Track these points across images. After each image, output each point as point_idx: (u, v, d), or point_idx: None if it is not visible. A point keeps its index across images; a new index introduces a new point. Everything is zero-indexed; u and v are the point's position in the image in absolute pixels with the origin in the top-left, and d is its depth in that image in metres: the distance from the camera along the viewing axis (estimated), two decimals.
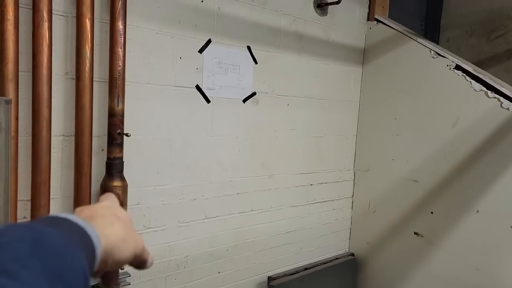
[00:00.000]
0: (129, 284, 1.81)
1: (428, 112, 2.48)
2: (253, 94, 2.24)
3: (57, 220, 0.41)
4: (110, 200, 0.54)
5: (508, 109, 2.15)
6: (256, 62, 2.23)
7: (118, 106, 1.65)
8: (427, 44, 2.50)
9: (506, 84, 2.24)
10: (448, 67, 2.37)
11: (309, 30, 2.47)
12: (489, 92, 2.21)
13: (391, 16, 2.86)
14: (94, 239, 0.42)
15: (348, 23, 2.70)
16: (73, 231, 0.40)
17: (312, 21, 2.49)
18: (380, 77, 2.75)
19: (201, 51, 2.00)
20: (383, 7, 2.83)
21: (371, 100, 2.81)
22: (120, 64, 1.64)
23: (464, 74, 2.31)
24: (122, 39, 1.64)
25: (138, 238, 0.50)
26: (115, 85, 1.64)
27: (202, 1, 1.97)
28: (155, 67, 1.86)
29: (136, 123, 1.81)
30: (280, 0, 2.30)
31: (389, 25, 2.70)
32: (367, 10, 2.81)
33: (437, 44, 3.28)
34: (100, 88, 1.69)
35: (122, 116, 1.68)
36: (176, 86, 1.94)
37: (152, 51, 1.84)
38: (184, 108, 1.98)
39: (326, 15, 2.55)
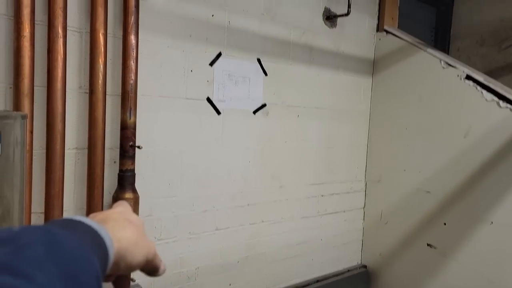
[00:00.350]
0: None
1: (439, 122, 2.46)
2: (264, 105, 2.26)
3: (71, 223, 0.42)
4: (123, 206, 0.54)
5: None
6: (266, 74, 2.25)
7: (130, 119, 1.68)
8: (437, 54, 2.49)
9: None
10: (459, 77, 2.36)
11: (318, 42, 2.49)
12: (500, 102, 2.19)
13: (401, 27, 2.86)
14: (107, 241, 0.42)
15: (358, 34, 2.71)
16: (86, 234, 0.41)
17: (322, 33, 2.50)
18: (390, 88, 2.74)
19: (211, 64, 2.03)
20: (392, 18, 2.83)
21: (381, 111, 2.80)
22: (133, 78, 1.67)
23: (475, 84, 2.29)
24: (134, 53, 1.67)
25: (150, 243, 0.51)
26: (128, 98, 1.67)
27: (212, 15, 2.00)
28: (167, 80, 1.89)
29: (147, 135, 1.84)
30: (290, 13, 2.32)
31: (399, 35, 2.70)
32: (376, 21, 2.82)
33: (447, 54, 3.27)
34: (113, 101, 1.72)
35: (134, 128, 1.70)
36: (187, 98, 1.96)
37: (164, 64, 1.87)
38: (195, 120, 2.00)
39: (335, 27, 2.57)
